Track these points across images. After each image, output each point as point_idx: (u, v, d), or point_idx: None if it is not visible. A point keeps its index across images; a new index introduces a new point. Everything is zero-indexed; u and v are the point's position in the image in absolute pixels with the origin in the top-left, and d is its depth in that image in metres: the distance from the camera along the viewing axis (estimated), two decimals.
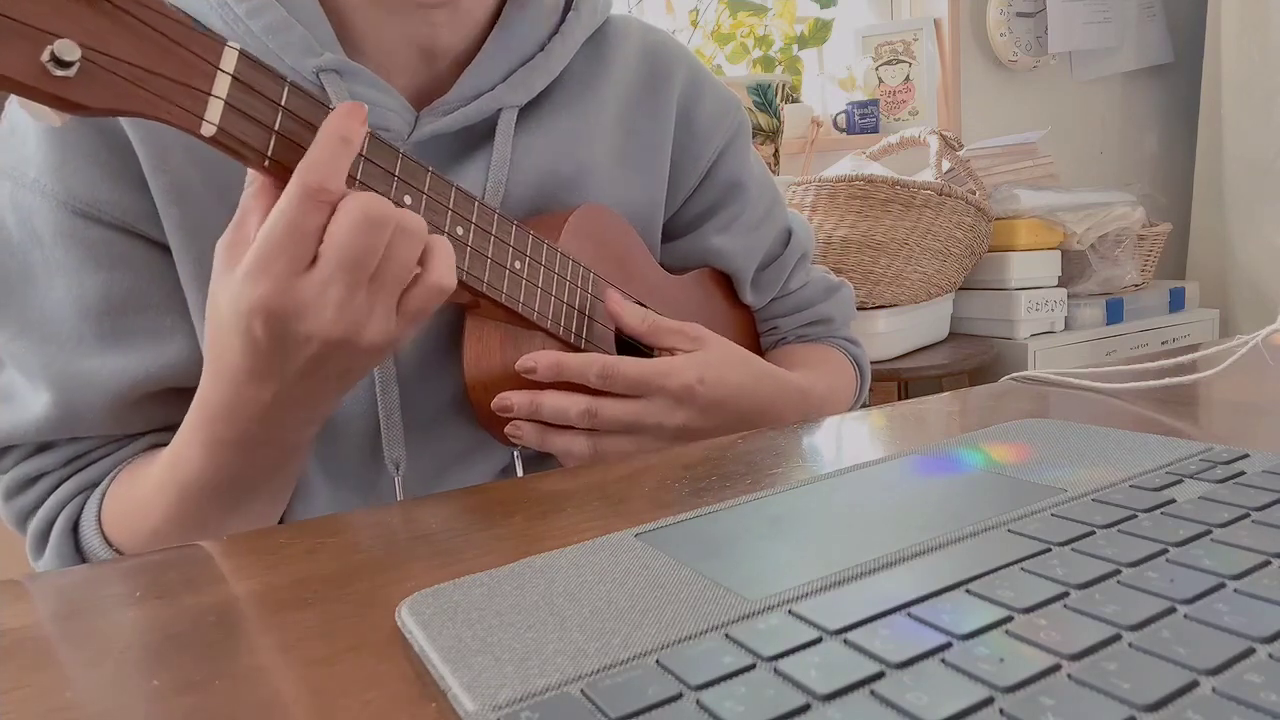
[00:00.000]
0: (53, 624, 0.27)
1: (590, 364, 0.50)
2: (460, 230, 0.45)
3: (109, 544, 0.49)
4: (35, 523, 0.50)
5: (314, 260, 0.37)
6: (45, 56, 0.30)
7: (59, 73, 0.31)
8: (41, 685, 0.23)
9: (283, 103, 0.38)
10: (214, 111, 0.36)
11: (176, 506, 0.46)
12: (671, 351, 0.55)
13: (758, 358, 0.60)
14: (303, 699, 0.22)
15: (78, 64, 0.31)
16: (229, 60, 0.36)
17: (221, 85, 0.36)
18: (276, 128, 0.38)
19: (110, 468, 0.51)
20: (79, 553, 0.50)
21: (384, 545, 0.32)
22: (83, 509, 0.50)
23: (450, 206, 0.45)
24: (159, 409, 0.51)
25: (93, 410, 0.49)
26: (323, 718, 0.21)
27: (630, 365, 0.51)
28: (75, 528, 0.50)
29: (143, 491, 0.48)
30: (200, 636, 0.25)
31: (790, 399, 0.59)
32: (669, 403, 0.52)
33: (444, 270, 0.41)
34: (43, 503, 0.51)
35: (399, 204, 0.42)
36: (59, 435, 0.50)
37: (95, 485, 0.51)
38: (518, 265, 0.49)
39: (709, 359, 0.54)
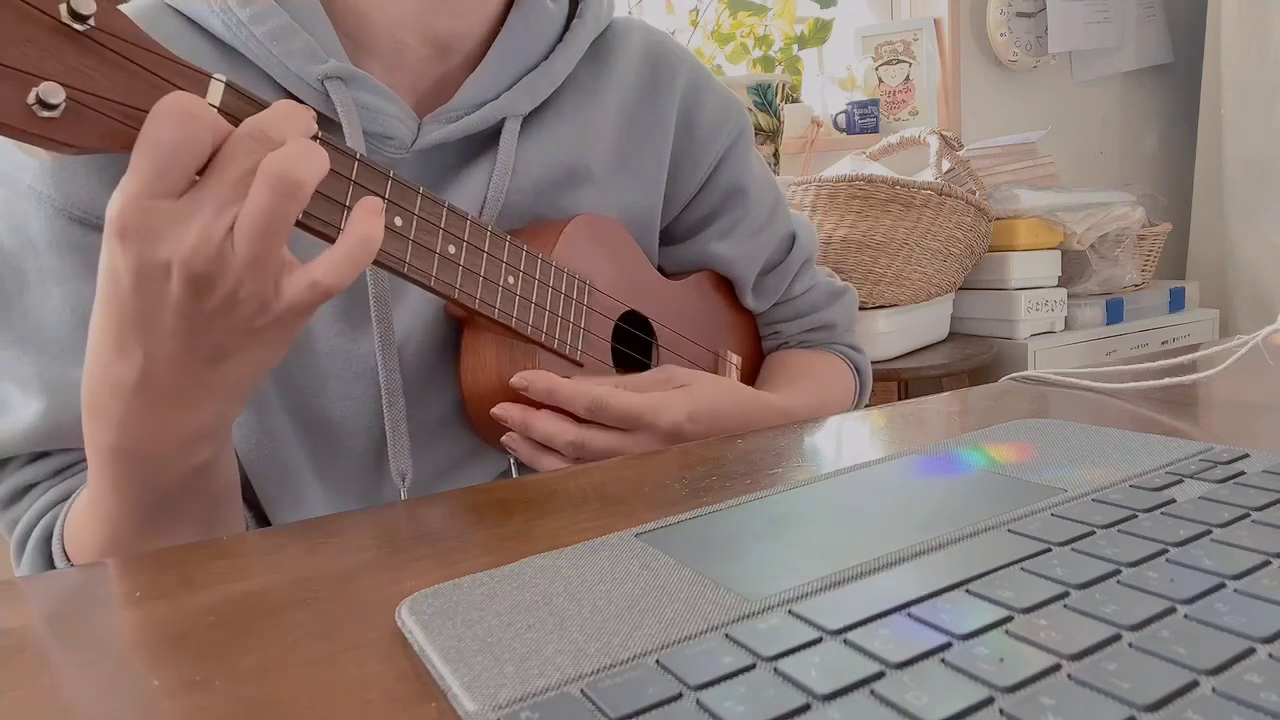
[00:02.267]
0: (53, 624, 0.27)
1: (580, 395, 0.50)
2: (453, 249, 0.45)
3: (67, 557, 0.48)
4: (18, 531, 0.50)
5: (190, 188, 0.34)
6: (30, 99, 0.30)
7: (45, 114, 0.31)
8: (41, 686, 0.23)
9: None
10: None
11: (100, 528, 0.43)
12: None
13: (743, 386, 0.60)
14: (303, 699, 0.22)
15: (63, 105, 0.31)
16: (214, 93, 0.36)
17: None
18: None
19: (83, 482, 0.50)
20: (50, 564, 0.49)
21: (384, 545, 0.32)
22: (56, 520, 0.49)
23: (442, 226, 0.44)
24: None
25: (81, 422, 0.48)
26: (323, 718, 0.21)
27: (620, 400, 0.50)
28: (48, 539, 0.49)
29: (81, 507, 0.46)
30: (200, 636, 0.25)
31: (773, 423, 0.59)
32: (657, 440, 0.52)
33: (325, 269, 0.36)
34: (27, 513, 0.50)
35: (389, 226, 0.41)
36: (51, 445, 0.49)
37: (69, 496, 0.50)
38: (511, 281, 0.49)
39: (697, 396, 0.54)
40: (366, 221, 0.37)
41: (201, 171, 0.34)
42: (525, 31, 0.56)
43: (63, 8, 0.31)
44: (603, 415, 0.50)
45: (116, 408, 0.38)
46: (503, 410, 0.51)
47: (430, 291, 0.45)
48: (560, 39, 0.58)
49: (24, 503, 0.50)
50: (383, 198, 0.41)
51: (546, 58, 0.57)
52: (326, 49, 0.50)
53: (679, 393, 0.53)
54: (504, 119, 0.55)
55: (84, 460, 0.50)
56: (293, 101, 0.36)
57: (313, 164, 0.35)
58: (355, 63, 0.52)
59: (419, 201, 0.43)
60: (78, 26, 0.31)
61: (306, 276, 0.36)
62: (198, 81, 0.35)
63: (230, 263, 0.34)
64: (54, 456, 0.50)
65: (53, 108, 0.31)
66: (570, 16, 0.59)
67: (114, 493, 0.41)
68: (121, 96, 0.33)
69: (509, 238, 0.49)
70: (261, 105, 0.37)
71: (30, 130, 0.31)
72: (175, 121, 0.32)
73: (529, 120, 0.57)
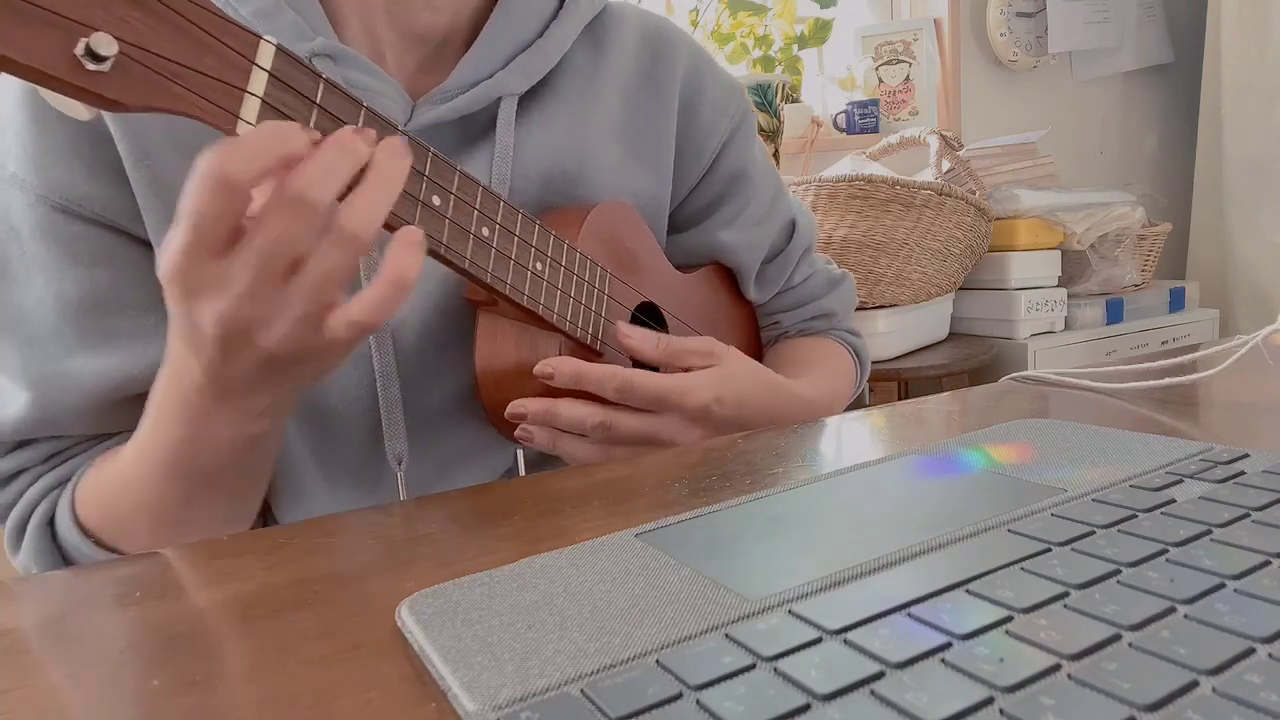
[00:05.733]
0: (53, 624, 0.27)
1: (609, 377, 0.49)
2: (486, 231, 0.44)
3: (85, 533, 0.48)
4: (11, 518, 0.50)
5: (237, 242, 0.35)
6: (80, 50, 0.29)
7: (93, 66, 0.29)
8: (41, 685, 0.23)
9: (318, 100, 0.36)
10: (250, 110, 0.34)
11: (141, 490, 0.45)
12: (688, 369, 0.54)
13: (769, 371, 0.59)
14: (303, 699, 0.22)
15: (113, 59, 0.30)
16: (265, 56, 0.34)
17: (258, 82, 0.34)
18: (311, 127, 0.36)
19: (82, 463, 0.50)
20: (56, 545, 0.49)
21: (384, 545, 0.32)
22: (57, 503, 0.49)
23: (477, 206, 0.44)
24: (138, 410, 0.49)
25: (70, 412, 0.48)
26: (323, 718, 0.21)
27: (649, 381, 0.50)
28: (52, 522, 0.49)
29: (112, 475, 0.47)
30: (200, 636, 0.25)
31: (796, 411, 0.59)
32: (684, 421, 0.51)
33: (363, 309, 0.36)
34: (20, 498, 0.50)
35: (427, 204, 0.41)
36: (37, 434, 0.49)
37: (67, 481, 0.50)
38: (539, 266, 0.48)
39: (725, 376, 0.53)
40: (405, 260, 0.37)
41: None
42: (518, 12, 0.55)
43: None
44: (632, 396, 0.50)
45: (188, 380, 0.40)
46: (520, 406, 0.50)
47: (462, 274, 0.44)
48: (555, 17, 0.57)
49: (13, 488, 0.50)
50: (422, 173, 0.40)
51: (540, 36, 0.56)
52: (314, 27, 0.49)
53: (707, 374, 0.53)
54: (499, 99, 0.54)
55: (73, 446, 0.51)
56: (346, 134, 0.35)
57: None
58: (343, 42, 0.51)
59: (456, 180, 0.42)
60: None
61: (345, 317, 0.37)
62: (248, 42, 0.34)
63: (269, 319, 0.36)
64: (42, 443, 0.50)
65: (102, 60, 0.29)
66: None
67: (169, 452, 0.43)
68: (170, 53, 0.32)
69: (539, 222, 0.48)
70: (309, 70, 0.36)
71: (75, 83, 0.29)
72: (213, 195, 0.33)
73: (527, 104, 0.56)
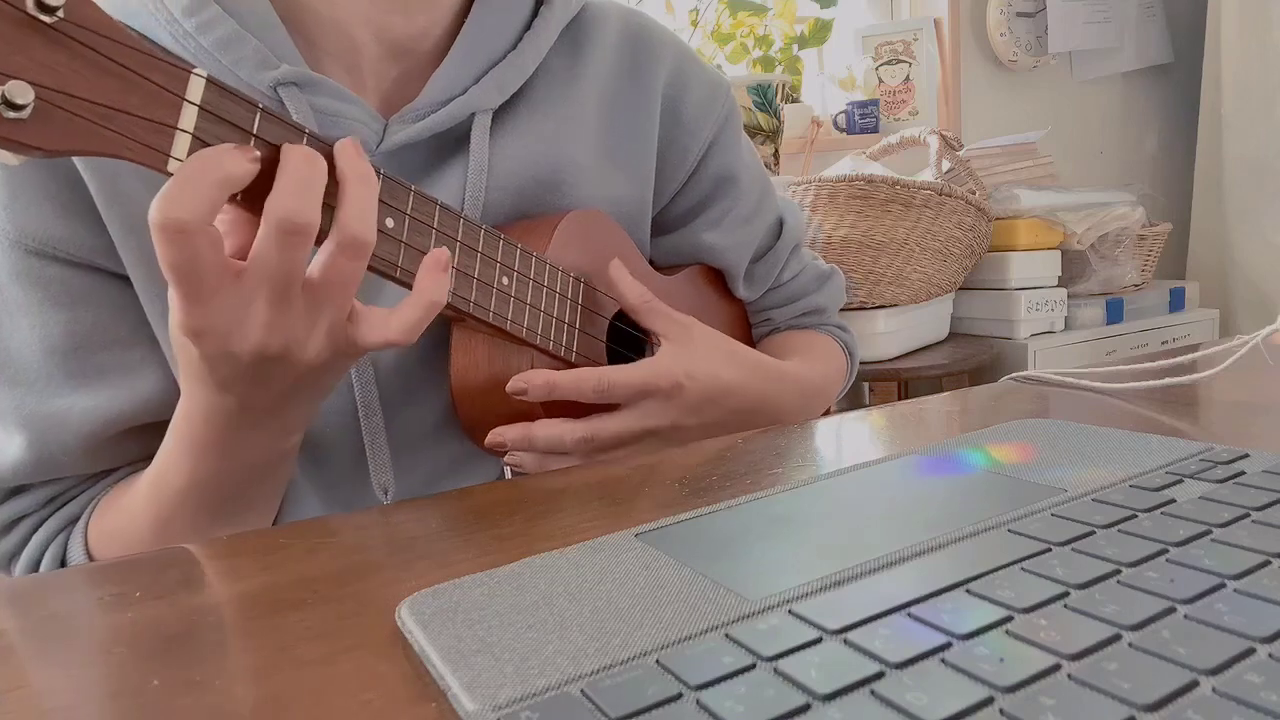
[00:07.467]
0: (52, 624, 0.27)
1: (584, 380, 0.49)
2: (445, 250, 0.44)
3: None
4: (21, 565, 0.49)
5: (239, 276, 0.35)
6: None
7: (10, 115, 0.29)
8: (40, 685, 0.23)
9: (255, 131, 0.36)
10: (180, 147, 0.33)
11: (164, 517, 0.45)
12: (656, 340, 0.54)
13: (750, 350, 0.58)
14: (302, 699, 0.22)
15: (31, 106, 0.29)
16: (195, 90, 0.34)
17: (188, 118, 0.34)
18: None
19: (88, 502, 0.50)
20: None
21: (384, 545, 0.32)
22: (68, 544, 0.49)
23: (435, 226, 0.43)
24: (134, 444, 0.50)
25: (67, 451, 0.48)
26: (322, 718, 0.21)
27: (624, 374, 0.50)
28: (63, 564, 0.49)
29: (128, 508, 0.47)
30: (200, 636, 0.25)
31: (787, 389, 0.58)
32: (659, 402, 0.51)
33: (399, 330, 0.40)
34: (25, 545, 0.49)
35: (380, 229, 0.40)
36: (35, 478, 0.48)
37: (76, 520, 0.50)
38: (505, 281, 0.48)
39: (695, 354, 0.53)
40: (435, 282, 0.41)
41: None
42: (491, 23, 0.54)
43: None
44: (612, 393, 0.49)
45: (220, 418, 0.41)
46: (498, 436, 0.50)
47: None
48: (529, 27, 0.56)
49: (14, 535, 0.50)
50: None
51: (514, 48, 0.55)
52: (279, 54, 0.48)
53: (676, 352, 0.53)
54: (473, 114, 0.53)
55: (73, 487, 0.50)
56: (300, 149, 0.36)
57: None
58: (314, 66, 0.50)
59: (410, 200, 0.42)
60: (46, 19, 0.29)
61: (382, 335, 0.40)
62: (177, 76, 0.33)
63: (302, 339, 0.38)
64: (38, 489, 0.50)
65: (19, 108, 0.29)
66: (539, 4, 0.57)
67: (204, 487, 0.44)
68: (93, 95, 0.31)
69: (503, 236, 0.48)
70: (244, 101, 0.35)
71: None
72: (174, 244, 0.33)
73: (502, 115, 0.55)
